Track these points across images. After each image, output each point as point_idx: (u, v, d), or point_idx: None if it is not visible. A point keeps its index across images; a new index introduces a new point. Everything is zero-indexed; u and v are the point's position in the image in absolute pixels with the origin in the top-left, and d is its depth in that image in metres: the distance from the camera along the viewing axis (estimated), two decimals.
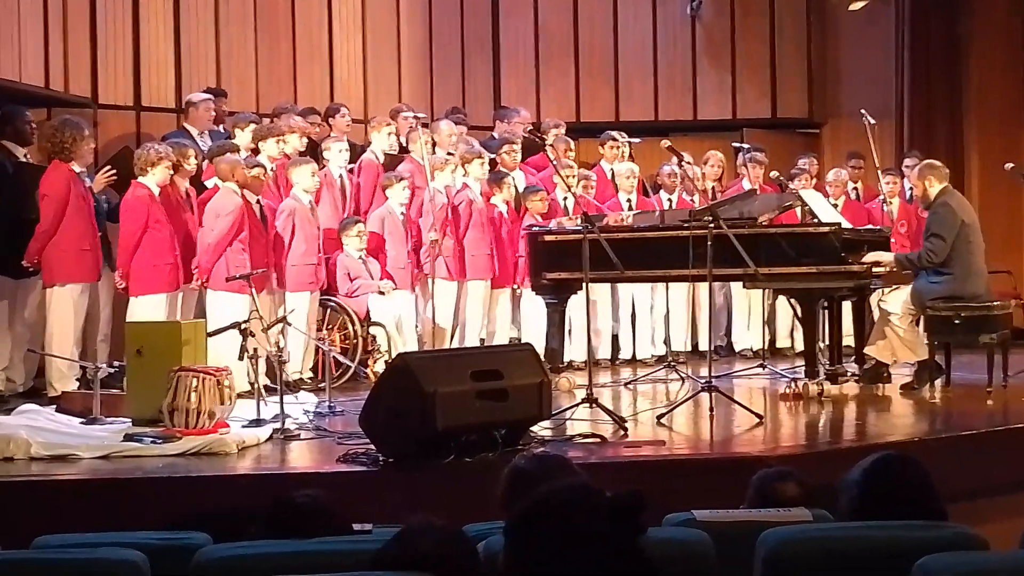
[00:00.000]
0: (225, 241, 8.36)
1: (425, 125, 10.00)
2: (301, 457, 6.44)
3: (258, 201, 8.66)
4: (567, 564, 2.26)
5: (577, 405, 7.09)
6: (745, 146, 11.57)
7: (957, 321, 7.96)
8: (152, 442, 6.35)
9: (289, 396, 7.07)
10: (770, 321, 10.75)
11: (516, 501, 3.35)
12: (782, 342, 10.94)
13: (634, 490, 2.30)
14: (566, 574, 2.26)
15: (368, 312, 9.23)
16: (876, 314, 8.47)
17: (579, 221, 7.84)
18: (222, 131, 9.92)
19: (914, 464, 3.26)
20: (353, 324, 9.15)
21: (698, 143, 11.80)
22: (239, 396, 7.11)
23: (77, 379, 8.04)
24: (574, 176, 10.14)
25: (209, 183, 8.96)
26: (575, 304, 9.18)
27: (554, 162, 9.20)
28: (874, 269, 8.07)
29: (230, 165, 8.56)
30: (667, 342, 10.14)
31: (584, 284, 7.53)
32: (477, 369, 6.02)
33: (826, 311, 8.39)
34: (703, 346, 9.94)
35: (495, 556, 2.99)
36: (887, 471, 3.22)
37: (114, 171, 8.71)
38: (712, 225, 7.35)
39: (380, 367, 8.72)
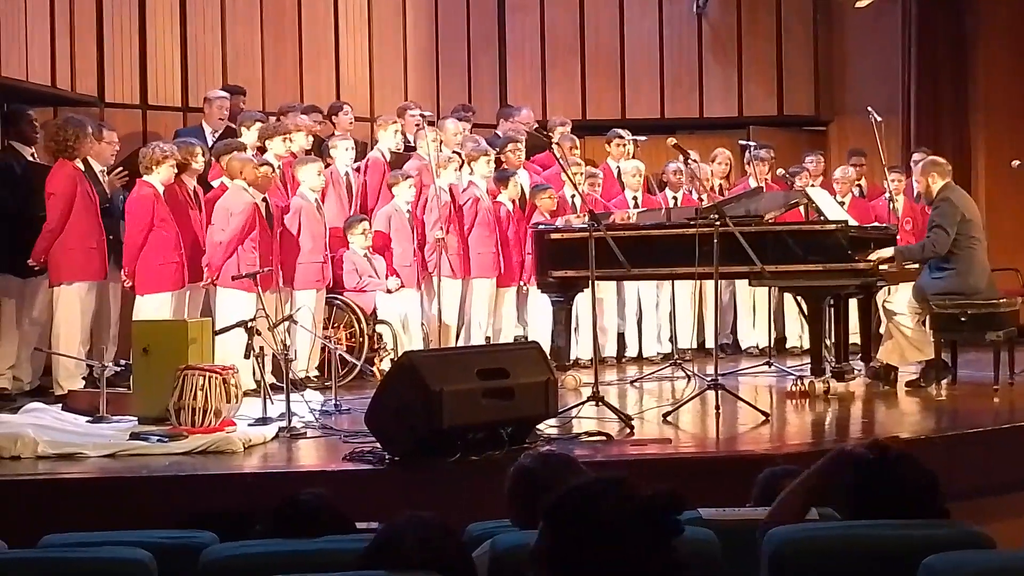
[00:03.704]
0: (237, 239, 8.37)
1: (432, 123, 10.00)
2: (307, 455, 6.44)
3: (264, 199, 8.66)
4: (599, 559, 2.23)
5: (583, 403, 7.08)
6: (752, 144, 11.55)
7: (963, 319, 7.95)
8: (158, 441, 6.36)
9: (295, 394, 7.05)
10: (776, 319, 10.73)
11: (522, 500, 3.37)
12: (789, 340, 10.93)
13: (673, 490, 2.27)
14: (597, 569, 2.23)
15: (374, 310, 9.24)
16: (882, 314, 8.45)
17: (586, 219, 7.83)
18: (233, 128, 9.92)
19: (914, 462, 3.24)
20: (359, 322, 9.15)
21: (704, 141, 11.79)
22: (245, 394, 7.13)
23: (84, 378, 8.05)
24: (581, 174, 10.13)
25: (215, 182, 8.97)
26: (581, 302, 9.17)
27: (560, 160, 9.19)
28: (881, 266, 8.06)
29: (241, 163, 8.57)
30: (673, 340, 10.12)
31: (590, 282, 7.52)
32: (483, 367, 6.02)
33: (832, 309, 8.37)
34: (709, 344, 9.94)
35: (502, 555, 2.99)
36: (888, 469, 3.21)
37: (126, 172, 8.74)
38: (718, 223, 7.34)
39: (386, 365, 8.72)
